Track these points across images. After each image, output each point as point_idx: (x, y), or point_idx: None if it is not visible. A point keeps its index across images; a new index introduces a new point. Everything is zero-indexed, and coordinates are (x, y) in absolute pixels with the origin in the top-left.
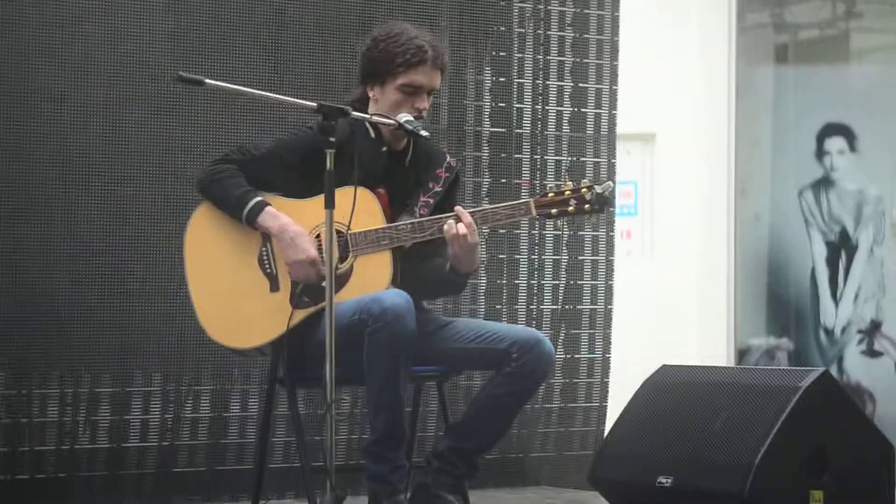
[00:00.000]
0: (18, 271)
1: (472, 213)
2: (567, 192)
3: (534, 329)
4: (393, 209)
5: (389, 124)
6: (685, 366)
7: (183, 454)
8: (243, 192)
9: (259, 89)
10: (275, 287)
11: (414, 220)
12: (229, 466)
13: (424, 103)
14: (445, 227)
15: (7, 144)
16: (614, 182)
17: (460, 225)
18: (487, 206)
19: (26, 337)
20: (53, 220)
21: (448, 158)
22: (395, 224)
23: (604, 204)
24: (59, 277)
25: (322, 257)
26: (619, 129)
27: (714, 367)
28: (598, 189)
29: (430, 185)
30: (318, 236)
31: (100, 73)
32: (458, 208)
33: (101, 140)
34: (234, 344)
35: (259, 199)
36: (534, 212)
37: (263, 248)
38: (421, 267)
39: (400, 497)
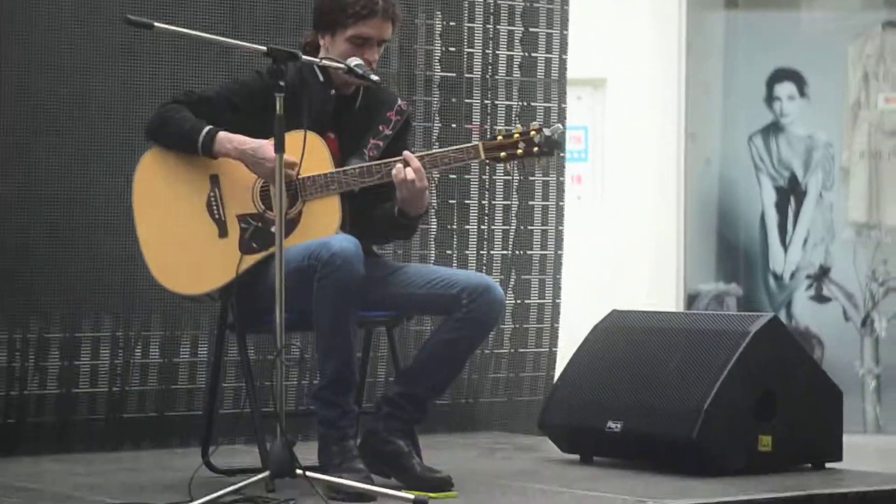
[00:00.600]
0: None
1: (420, 158)
2: (516, 136)
3: (484, 274)
4: (342, 154)
5: (339, 68)
6: (635, 311)
7: (133, 400)
8: (194, 124)
9: (214, 33)
10: (223, 233)
11: (362, 165)
12: (179, 412)
13: (374, 55)
14: (394, 171)
15: None
16: (564, 127)
17: (408, 169)
18: (436, 151)
19: None
20: (6, 164)
21: (399, 102)
22: (344, 169)
23: (553, 147)
24: (7, 222)
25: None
26: (570, 75)
27: (663, 312)
28: (546, 132)
29: (381, 129)
30: (266, 182)
31: (52, 17)
32: (406, 153)
33: (53, 82)
34: (183, 290)
35: (210, 127)
36: (482, 155)
37: (211, 194)
38: (370, 211)
39: (349, 442)
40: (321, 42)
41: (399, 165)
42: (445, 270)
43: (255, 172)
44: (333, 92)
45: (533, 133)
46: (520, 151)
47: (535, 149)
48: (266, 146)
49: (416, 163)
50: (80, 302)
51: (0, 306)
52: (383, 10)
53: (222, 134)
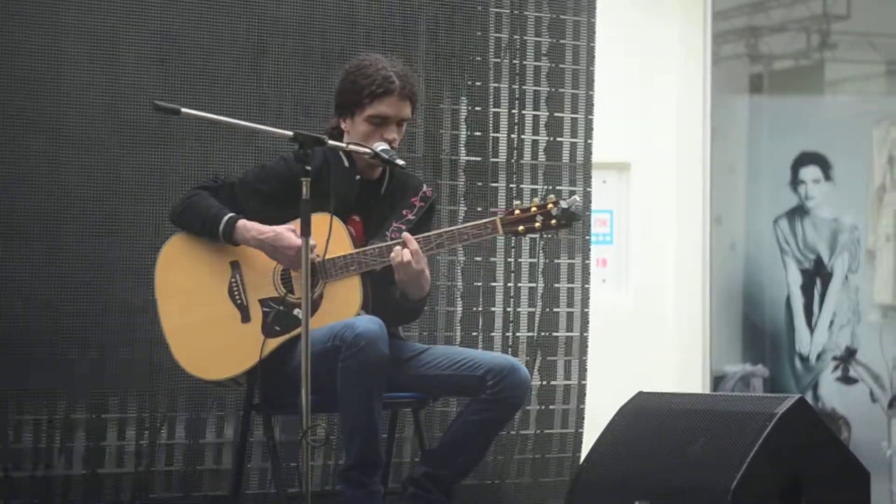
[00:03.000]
0: None
1: (439, 235)
2: (533, 209)
3: (509, 356)
4: (367, 237)
5: (365, 153)
6: (661, 393)
7: (159, 481)
8: (217, 211)
9: (240, 118)
10: (246, 318)
11: (380, 245)
12: (206, 493)
13: (393, 134)
14: (392, 253)
15: None
16: (590, 209)
17: (405, 251)
18: (454, 227)
19: (2, 363)
20: (33, 246)
21: (424, 188)
22: (363, 249)
23: (570, 218)
24: (37, 303)
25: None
26: (595, 158)
27: (690, 393)
28: (563, 204)
29: (404, 213)
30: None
31: (83, 101)
32: (405, 234)
33: (82, 166)
34: (208, 376)
35: (231, 215)
36: (500, 230)
37: (233, 280)
38: (388, 292)
39: None
40: (343, 126)
41: (398, 248)
42: (471, 352)
43: (275, 260)
44: (358, 177)
45: (550, 206)
46: (538, 224)
47: (553, 221)
48: (283, 234)
49: (413, 244)
50: (106, 383)
51: (27, 387)
52: (400, 88)
53: (241, 222)
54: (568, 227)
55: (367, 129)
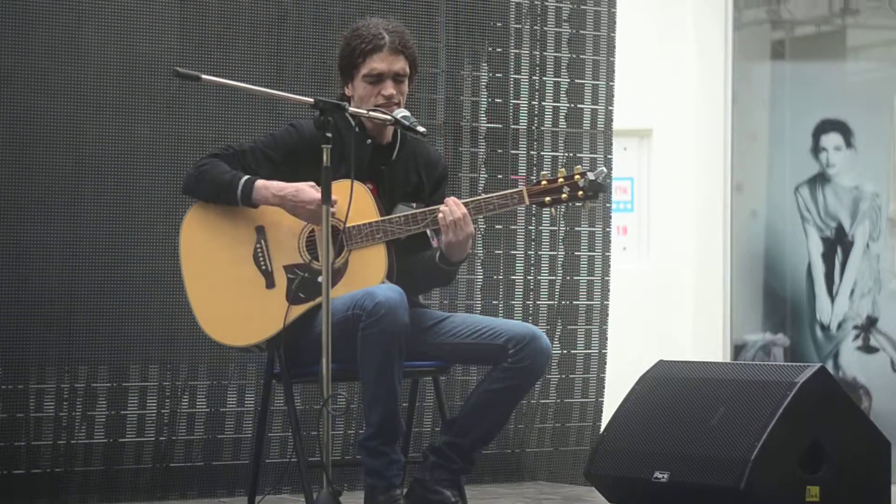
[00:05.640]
0: (17, 265)
1: (466, 203)
2: (560, 180)
3: (530, 324)
4: (381, 202)
5: (386, 120)
6: (681, 361)
7: (179, 449)
8: (232, 175)
9: (259, 84)
10: (270, 284)
11: (407, 213)
12: (225, 462)
13: (390, 90)
14: (440, 214)
15: (8, 138)
16: (609, 171)
17: (455, 211)
18: (481, 196)
19: (24, 331)
20: (52, 214)
21: (441, 164)
22: (389, 217)
23: (597, 190)
24: (57, 272)
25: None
26: (616, 125)
27: (710, 362)
28: (590, 176)
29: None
30: (312, 232)
31: (102, 67)
32: (451, 198)
33: (102, 134)
34: (232, 342)
35: (248, 176)
36: (527, 200)
37: (258, 245)
38: (410, 260)
39: (396, 492)
40: (346, 92)
41: (445, 208)
42: (491, 320)
43: (296, 216)
44: (369, 141)
45: (577, 177)
46: (564, 196)
47: (580, 192)
48: (304, 189)
49: (462, 208)
50: (127, 352)
51: (48, 356)
52: (389, 42)
53: (260, 182)
54: (595, 199)
55: (365, 89)
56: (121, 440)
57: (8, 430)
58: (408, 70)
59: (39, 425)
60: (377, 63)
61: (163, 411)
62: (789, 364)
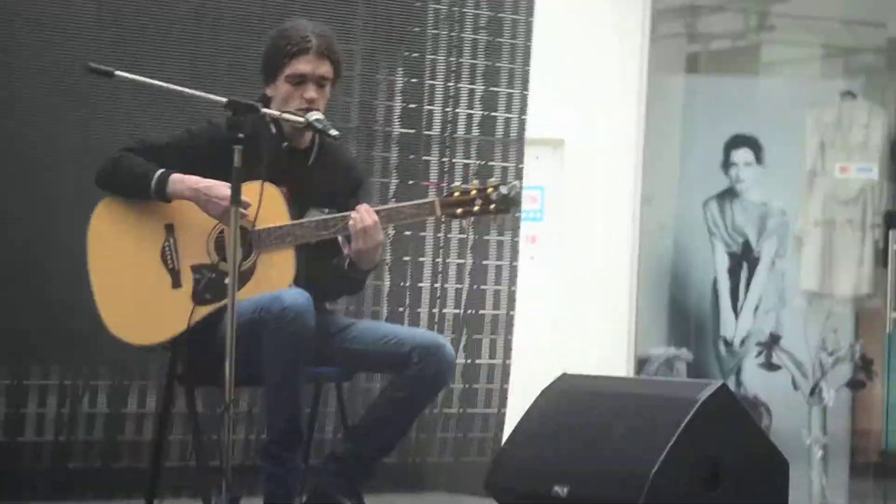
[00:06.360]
0: None
1: (377, 212)
2: (473, 193)
3: (436, 333)
4: (293, 207)
5: (297, 122)
6: (584, 375)
7: (78, 450)
8: (146, 168)
9: (174, 83)
10: (177, 283)
11: (318, 218)
12: (125, 464)
13: (312, 93)
14: (351, 221)
15: None
16: (521, 185)
17: (366, 218)
18: (392, 206)
19: None
20: None
21: (357, 171)
22: (300, 221)
23: (509, 205)
24: None
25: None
26: (529, 135)
27: (613, 377)
28: (503, 190)
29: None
30: (221, 232)
31: (15, 64)
32: (363, 205)
33: (12, 129)
34: (135, 340)
35: (162, 170)
36: (438, 211)
37: (166, 243)
38: (320, 266)
39: (295, 500)
40: (268, 92)
41: (356, 215)
42: (397, 328)
43: (207, 212)
44: (286, 144)
45: (490, 190)
46: (476, 208)
47: (492, 206)
48: (219, 186)
49: (373, 216)
50: (28, 349)
51: None
52: (316, 46)
53: (176, 175)
54: (506, 213)
55: (287, 90)
56: (19, 439)
57: None
58: (332, 75)
59: None
60: (302, 65)
61: (62, 410)
62: (691, 380)
